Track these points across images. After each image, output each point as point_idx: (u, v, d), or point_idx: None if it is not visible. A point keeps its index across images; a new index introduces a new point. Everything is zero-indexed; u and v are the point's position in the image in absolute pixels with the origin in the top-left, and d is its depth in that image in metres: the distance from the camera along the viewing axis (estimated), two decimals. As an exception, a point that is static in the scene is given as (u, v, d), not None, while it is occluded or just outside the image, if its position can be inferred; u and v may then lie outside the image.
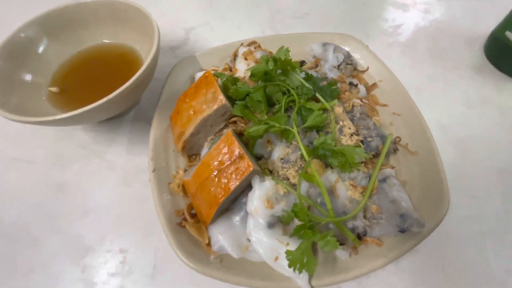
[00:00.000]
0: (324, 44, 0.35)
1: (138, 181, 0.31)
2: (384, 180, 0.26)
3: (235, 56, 0.36)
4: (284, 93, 0.28)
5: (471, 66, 0.40)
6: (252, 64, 0.33)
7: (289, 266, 0.20)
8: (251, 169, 0.22)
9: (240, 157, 0.23)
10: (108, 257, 0.27)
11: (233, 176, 0.23)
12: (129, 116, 0.35)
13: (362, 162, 0.26)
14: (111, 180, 0.31)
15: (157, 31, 0.30)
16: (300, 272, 0.20)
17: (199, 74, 0.34)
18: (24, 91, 0.30)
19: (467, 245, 0.27)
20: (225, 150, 0.23)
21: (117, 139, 0.34)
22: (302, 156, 0.25)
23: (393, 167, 0.28)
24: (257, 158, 0.27)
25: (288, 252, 0.20)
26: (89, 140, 0.34)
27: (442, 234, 0.27)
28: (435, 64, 0.40)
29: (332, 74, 0.33)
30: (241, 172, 0.22)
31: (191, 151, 0.30)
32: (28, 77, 0.31)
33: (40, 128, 0.35)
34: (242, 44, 0.36)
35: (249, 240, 0.24)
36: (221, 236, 0.24)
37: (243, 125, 0.29)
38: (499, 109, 0.35)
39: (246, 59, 0.33)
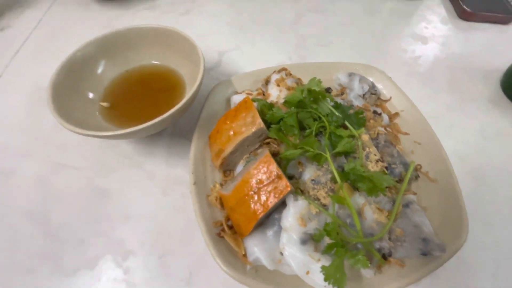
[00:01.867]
0: (350, 74, 0.38)
1: (175, 192, 0.34)
2: (407, 205, 0.28)
3: (266, 81, 0.40)
4: (315, 119, 0.31)
5: (487, 99, 0.42)
6: (284, 90, 0.36)
7: (325, 280, 0.22)
8: (289, 189, 0.25)
9: (279, 177, 0.25)
10: (148, 261, 0.30)
11: (272, 194, 0.25)
12: (167, 131, 0.39)
13: (387, 188, 0.29)
14: (151, 189, 0.34)
15: (203, 60, 0.33)
16: (334, 286, 0.22)
17: (234, 96, 0.37)
18: (82, 105, 0.34)
19: (483, 270, 0.29)
20: (264, 170, 0.26)
21: (156, 151, 0.37)
22: (331, 179, 0.28)
23: (414, 193, 0.30)
24: (289, 177, 0.29)
25: (323, 268, 0.22)
26: (131, 151, 0.37)
27: (459, 258, 0.29)
28: (453, 95, 0.42)
29: (357, 102, 0.36)
30: (280, 191, 0.25)
31: (227, 167, 0.33)
32: (84, 92, 0.35)
33: (85, 138, 0.38)
34: (274, 71, 0.39)
35: (281, 254, 0.26)
36: (256, 249, 0.26)
37: (276, 146, 0.31)
38: (515, 141, 0.37)
39: (278, 85, 0.36)
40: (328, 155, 0.27)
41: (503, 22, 0.52)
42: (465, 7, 0.52)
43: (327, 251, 0.23)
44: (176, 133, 0.39)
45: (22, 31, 0.55)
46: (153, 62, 0.39)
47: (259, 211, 0.25)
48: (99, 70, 0.37)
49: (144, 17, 0.56)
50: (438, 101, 0.41)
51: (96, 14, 0.57)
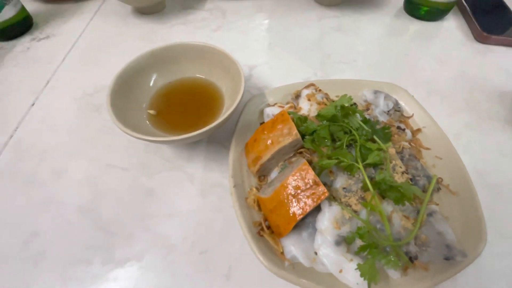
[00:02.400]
0: (375, 92, 0.41)
1: (213, 194, 0.37)
2: (430, 214, 0.30)
3: (296, 95, 0.43)
4: (345, 133, 0.34)
5: (503, 118, 0.44)
6: (314, 104, 0.39)
7: (361, 275, 0.24)
8: (327, 194, 0.28)
9: (316, 184, 0.28)
10: (190, 256, 0.33)
11: (310, 199, 0.28)
12: (204, 138, 0.42)
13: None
14: (191, 191, 0.37)
15: (243, 77, 0.37)
16: (369, 281, 0.24)
17: (267, 109, 0.41)
18: (133, 112, 0.38)
19: (499, 279, 0.31)
20: (302, 176, 0.29)
21: (195, 156, 0.40)
22: (362, 187, 0.31)
23: (437, 204, 0.33)
24: (321, 185, 0.32)
25: (358, 265, 0.25)
26: (172, 155, 0.41)
27: (477, 266, 0.31)
28: (471, 114, 0.45)
29: (383, 118, 0.39)
30: (318, 196, 0.28)
31: (262, 173, 0.36)
32: (135, 100, 0.39)
33: (131, 141, 0.42)
34: (305, 86, 0.42)
35: (316, 254, 0.29)
36: (293, 247, 0.29)
37: (308, 155, 0.34)
38: (530, 160, 0.39)
39: (309, 99, 0.40)
40: (360, 165, 0.30)
41: (519, 45, 0.55)
42: (482, 30, 0.55)
43: (360, 251, 0.26)
44: (213, 141, 0.42)
45: (66, 40, 0.60)
46: (196, 75, 0.43)
47: (298, 213, 0.28)
48: (148, 81, 0.41)
49: (179, 32, 0.60)
50: (457, 119, 0.44)
51: (134, 26, 0.62)
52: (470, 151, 0.40)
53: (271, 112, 0.40)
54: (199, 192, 0.37)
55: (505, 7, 0.61)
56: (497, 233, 0.34)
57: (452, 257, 0.27)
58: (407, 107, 0.41)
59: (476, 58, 0.53)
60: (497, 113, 0.45)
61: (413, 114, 0.41)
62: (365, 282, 0.26)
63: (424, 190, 0.32)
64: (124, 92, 0.37)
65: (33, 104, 0.49)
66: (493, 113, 0.45)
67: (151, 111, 0.40)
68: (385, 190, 0.29)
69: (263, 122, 0.39)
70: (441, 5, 0.56)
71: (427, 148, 0.38)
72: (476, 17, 0.58)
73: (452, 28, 0.58)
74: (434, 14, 0.59)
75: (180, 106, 0.41)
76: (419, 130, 0.39)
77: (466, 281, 0.30)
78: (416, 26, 0.59)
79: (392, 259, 0.25)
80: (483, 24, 0.56)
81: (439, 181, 0.34)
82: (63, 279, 0.32)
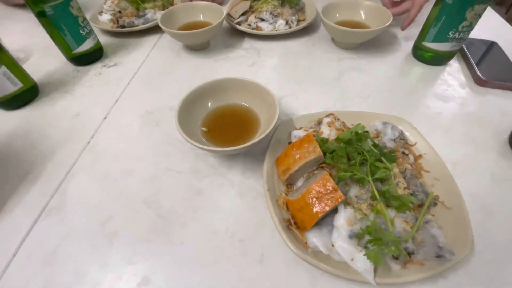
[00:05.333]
0: (384, 123, 0.50)
1: (249, 196, 0.46)
2: (426, 222, 0.38)
3: (318, 122, 0.53)
4: (359, 153, 0.43)
5: (497, 151, 0.52)
6: (334, 130, 0.49)
7: (368, 258, 0.32)
8: (343, 197, 0.36)
9: (335, 189, 0.37)
10: (231, 242, 0.41)
11: (330, 201, 0.37)
12: (242, 152, 0.52)
13: (412, 208, 0.39)
14: (231, 193, 0.47)
15: (278, 106, 0.47)
16: (374, 263, 0.32)
17: (294, 132, 0.51)
18: (191, 127, 0.49)
19: (487, 279, 0.37)
20: (324, 184, 0.38)
21: (235, 166, 0.50)
22: (371, 197, 0.39)
23: (433, 215, 0.40)
24: (338, 193, 0.41)
25: (367, 252, 0.33)
26: (216, 163, 0.51)
27: (469, 270, 0.38)
28: (468, 146, 0.52)
29: (390, 144, 0.47)
30: (336, 199, 0.36)
31: (290, 181, 0.45)
32: (193, 119, 0.50)
33: (185, 152, 0.53)
34: (326, 115, 0.52)
35: (333, 246, 0.36)
36: (315, 239, 0.37)
37: (329, 169, 0.43)
38: (519, 187, 0.46)
39: (329, 126, 0.49)
40: (370, 179, 0.38)
41: (515, 89, 0.63)
42: (480, 75, 0.64)
43: (368, 243, 0.34)
44: (248, 155, 0.52)
45: (130, 68, 0.74)
46: (240, 102, 0.54)
47: (320, 211, 0.36)
48: (204, 105, 0.52)
49: (221, 66, 0.73)
50: (455, 149, 0.52)
51: (185, 59, 0.76)
52: (465, 176, 0.47)
53: (297, 134, 0.50)
54: (237, 194, 0.46)
55: (503, 54, 0.70)
56: (487, 245, 0.40)
57: (442, 255, 0.34)
58: (411, 137, 0.50)
59: (475, 99, 0.61)
60: (491, 147, 0.52)
61: (416, 143, 0.49)
62: (371, 269, 0.34)
63: (422, 203, 0.40)
64: (186, 111, 0.48)
65: (105, 118, 0.61)
66: (488, 147, 0.52)
67: (204, 128, 0.50)
68: (389, 199, 0.37)
69: (291, 142, 0.49)
70: (444, 52, 0.66)
71: (427, 171, 0.46)
72: (476, 63, 0.67)
73: (454, 72, 0.68)
74: (438, 60, 0.69)
75: (226, 126, 0.51)
76: (420, 156, 0.47)
77: (457, 278, 0.37)
78: (422, 69, 0.69)
79: (393, 249, 0.32)
80: (482, 69, 0.65)
81: (436, 198, 0.42)
82: (132, 253, 0.41)
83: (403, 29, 0.75)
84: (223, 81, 0.53)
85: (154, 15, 0.85)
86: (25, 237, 0.43)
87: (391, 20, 0.68)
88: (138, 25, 0.83)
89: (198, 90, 0.51)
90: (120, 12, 0.85)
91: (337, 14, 0.80)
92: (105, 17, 0.85)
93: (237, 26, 0.80)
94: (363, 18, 0.79)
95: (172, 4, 0.90)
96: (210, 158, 0.51)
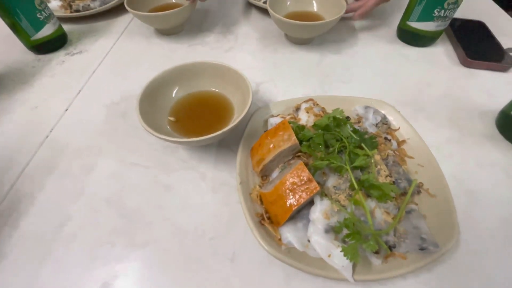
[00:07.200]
0: (366, 107, 0.47)
1: (222, 191, 0.42)
2: (409, 211, 0.35)
3: (297, 108, 0.49)
4: (337, 140, 0.40)
5: (483, 135, 0.49)
6: (312, 116, 0.45)
7: (344, 255, 0.29)
8: (318, 189, 0.33)
9: (310, 180, 0.34)
10: (201, 241, 0.38)
11: (304, 192, 0.33)
12: (215, 143, 0.48)
13: (393, 197, 0.36)
14: (203, 187, 0.43)
15: (251, 91, 0.43)
16: (350, 261, 0.29)
17: (271, 119, 0.47)
18: (157, 117, 0.44)
19: (472, 270, 0.35)
20: (298, 174, 0.35)
21: (207, 158, 0.46)
22: (350, 187, 0.36)
23: (416, 204, 0.37)
24: (315, 184, 0.38)
25: (343, 248, 0.30)
26: (187, 156, 0.47)
27: (452, 261, 0.35)
28: (453, 130, 0.50)
29: (372, 130, 0.44)
30: (310, 190, 0.33)
31: (265, 173, 0.41)
32: (159, 108, 0.46)
33: (152, 144, 0.48)
34: (304, 101, 0.48)
35: (309, 241, 0.33)
36: (289, 234, 0.34)
37: (305, 158, 0.40)
38: (504, 171, 0.44)
39: (307, 112, 0.46)
40: (348, 167, 0.35)
41: (501, 70, 0.60)
42: (466, 56, 0.61)
43: (346, 237, 0.31)
44: (222, 145, 0.48)
45: (96, 55, 0.68)
46: (211, 89, 0.50)
47: (294, 204, 0.33)
48: (171, 92, 0.48)
49: (196, 51, 0.68)
50: (439, 134, 0.49)
51: (157, 46, 0.70)
52: (450, 161, 0.45)
53: (274, 121, 0.46)
54: (209, 188, 0.43)
55: (489, 34, 0.67)
56: (471, 233, 0.38)
57: (426, 248, 0.32)
58: (394, 122, 0.47)
59: (460, 81, 0.59)
60: (477, 130, 0.50)
61: (399, 128, 0.46)
62: (349, 266, 0.31)
63: (405, 192, 0.37)
64: (150, 101, 0.44)
65: (66, 110, 0.56)
66: (473, 129, 0.50)
67: (171, 118, 0.46)
68: (368, 188, 0.34)
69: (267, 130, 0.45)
70: (429, 33, 0.63)
71: (411, 157, 0.43)
72: (463, 44, 0.64)
73: (439, 53, 0.65)
74: (423, 41, 0.66)
75: (196, 115, 0.47)
76: (404, 141, 0.45)
77: (442, 270, 0.34)
78: (407, 51, 0.66)
79: (372, 243, 0.29)
80: (468, 50, 0.62)
81: (420, 185, 0.39)
82: (90, 257, 0.37)
83: (354, 19, 0.66)
84: (192, 66, 0.48)
85: (112, -5, 0.78)
86: (-29, 245, 0.38)
87: (344, 11, 0.60)
88: (95, 8, 0.76)
89: (163, 75, 0.46)
90: (70, -5, 0.78)
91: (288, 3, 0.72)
92: (54, 4, 0.77)
93: None
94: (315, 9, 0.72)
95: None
96: (181, 150, 0.47)
